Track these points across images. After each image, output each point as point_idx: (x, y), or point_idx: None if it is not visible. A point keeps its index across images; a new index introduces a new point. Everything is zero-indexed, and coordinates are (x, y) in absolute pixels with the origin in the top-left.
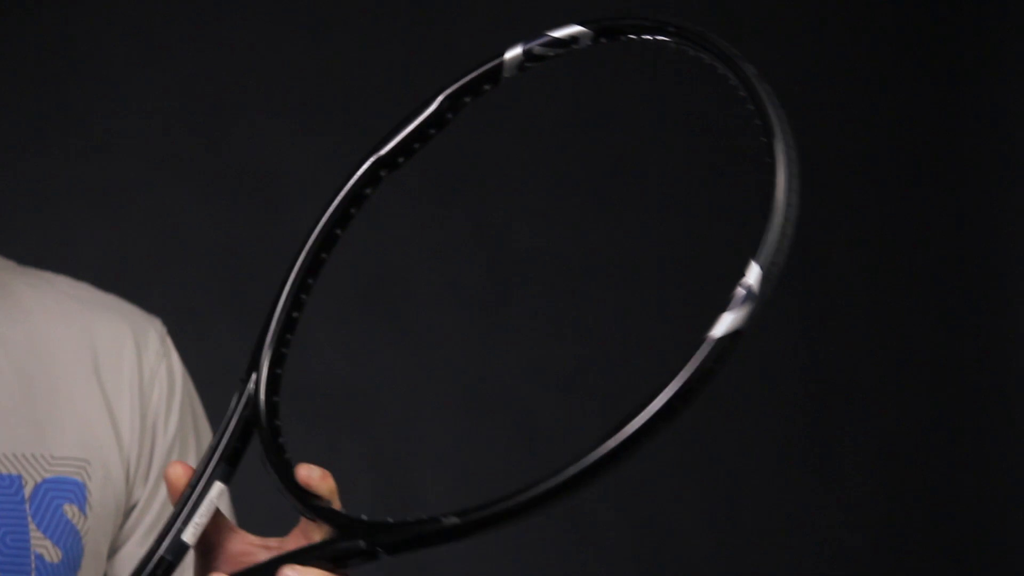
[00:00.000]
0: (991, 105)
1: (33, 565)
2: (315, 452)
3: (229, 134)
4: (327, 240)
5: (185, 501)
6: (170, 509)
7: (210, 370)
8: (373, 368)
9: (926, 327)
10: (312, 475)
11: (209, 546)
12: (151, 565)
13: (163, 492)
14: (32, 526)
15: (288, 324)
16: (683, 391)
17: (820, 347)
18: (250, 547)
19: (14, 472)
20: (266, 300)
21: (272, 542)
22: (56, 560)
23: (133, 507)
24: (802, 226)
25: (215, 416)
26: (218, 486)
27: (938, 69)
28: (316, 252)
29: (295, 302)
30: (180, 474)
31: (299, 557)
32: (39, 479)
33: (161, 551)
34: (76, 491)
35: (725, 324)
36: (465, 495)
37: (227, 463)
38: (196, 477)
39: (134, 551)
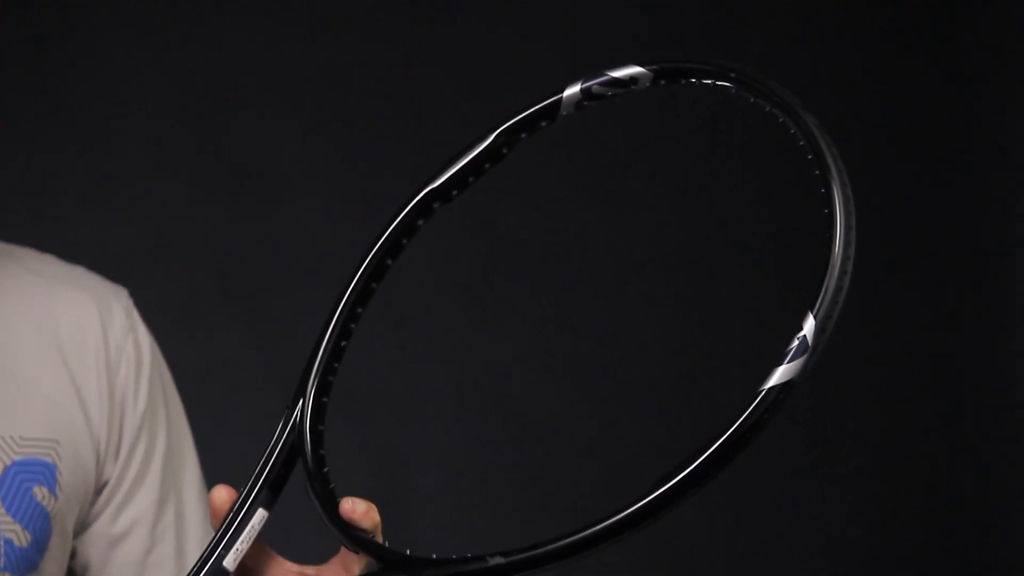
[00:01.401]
0: (994, 102)
1: (2, 551)
2: None
3: (228, 131)
4: (377, 269)
5: (228, 526)
6: (143, 487)
7: (207, 366)
8: (368, 363)
9: (930, 323)
10: (356, 509)
11: (246, 571)
12: None
13: (133, 470)
14: (1, 510)
15: (335, 353)
16: (734, 440)
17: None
18: (287, 574)
19: None
20: (265, 297)
21: (309, 570)
22: (25, 544)
23: (104, 485)
24: (804, 223)
25: (215, 417)
26: (260, 512)
27: (944, 64)
28: (366, 282)
29: (343, 331)
30: (224, 498)
31: None
32: (8, 461)
33: (202, 575)
34: (46, 472)
35: (778, 376)
36: (462, 491)
37: (270, 490)
38: (239, 502)
39: (104, 529)
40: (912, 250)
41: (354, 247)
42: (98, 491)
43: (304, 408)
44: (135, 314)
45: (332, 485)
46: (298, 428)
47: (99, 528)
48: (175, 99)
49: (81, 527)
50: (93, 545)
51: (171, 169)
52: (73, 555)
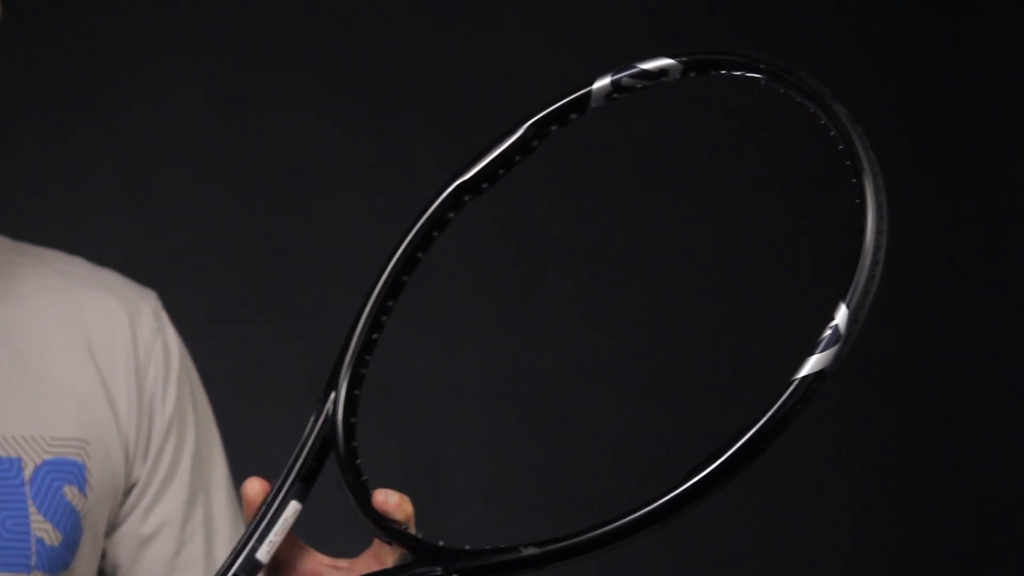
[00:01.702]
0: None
1: (34, 549)
2: None
3: (259, 130)
4: (408, 263)
5: (261, 518)
6: (172, 487)
7: (240, 366)
8: (403, 361)
9: (951, 323)
10: (389, 500)
11: (280, 564)
12: None
13: (162, 470)
14: (32, 509)
15: (367, 345)
16: (768, 430)
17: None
18: (320, 567)
19: (13, 455)
20: (295, 294)
21: (342, 563)
22: (56, 543)
23: (133, 486)
24: (834, 215)
25: (247, 417)
26: (294, 505)
27: (972, 61)
28: (397, 275)
29: (375, 324)
30: (258, 491)
31: None
32: (39, 461)
33: (235, 568)
34: (76, 472)
35: (811, 365)
36: (495, 486)
37: (303, 482)
38: (272, 495)
39: (133, 529)
40: (934, 247)
41: (386, 245)
42: (127, 491)
43: (336, 401)
44: (164, 316)
45: (365, 477)
46: (330, 421)
47: (128, 528)
48: (206, 99)
49: (111, 528)
50: (123, 546)
51: (203, 169)
52: (103, 556)
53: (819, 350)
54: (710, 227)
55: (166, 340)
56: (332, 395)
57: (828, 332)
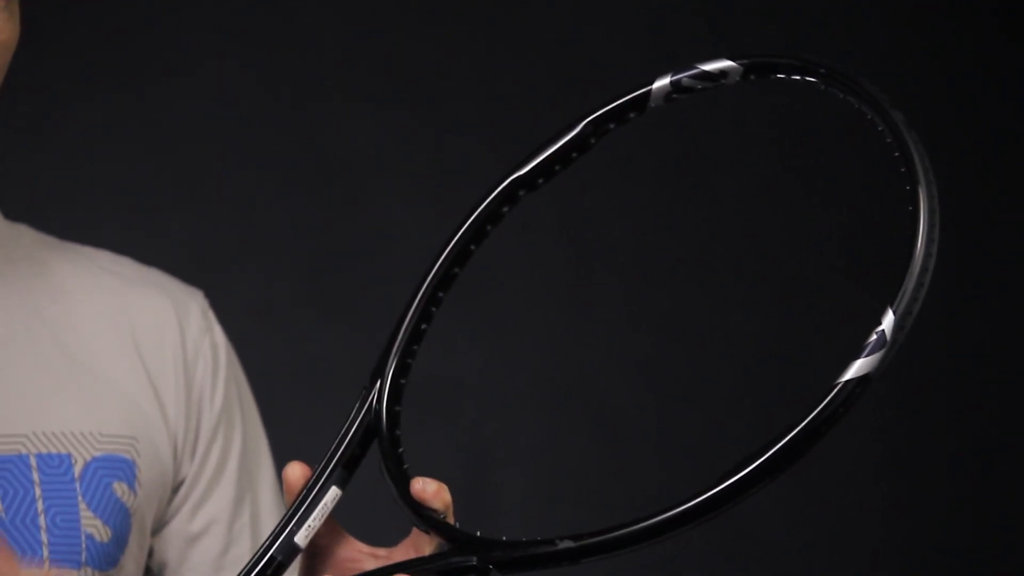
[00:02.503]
0: None
1: (84, 545)
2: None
3: (311, 126)
4: (460, 255)
5: (301, 502)
6: (219, 486)
7: (287, 360)
8: (453, 359)
9: (984, 325)
10: (427, 488)
11: (317, 549)
12: (262, 563)
13: (210, 468)
14: (83, 505)
15: (415, 335)
16: (809, 433)
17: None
18: (358, 554)
19: (63, 451)
20: (348, 291)
21: (381, 551)
22: (106, 539)
23: (180, 484)
24: (889, 221)
25: (301, 408)
26: (334, 491)
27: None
28: (449, 266)
29: (424, 314)
30: (299, 475)
31: (409, 567)
32: (88, 457)
33: (273, 550)
34: (125, 469)
35: (856, 369)
36: (550, 490)
37: (344, 469)
38: (313, 480)
39: (181, 527)
40: (968, 252)
41: (438, 241)
42: (175, 489)
43: (382, 388)
44: (211, 315)
45: (406, 466)
46: (375, 408)
47: (176, 526)
48: (256, 93)
49: (159, 525)
50: (170, 543)
51: (255, 161)
52: (150, 554)
53: (864, 354)
54: (760, 229)
55: (214, 339)
56: (378, 382)
57: (874, 337)
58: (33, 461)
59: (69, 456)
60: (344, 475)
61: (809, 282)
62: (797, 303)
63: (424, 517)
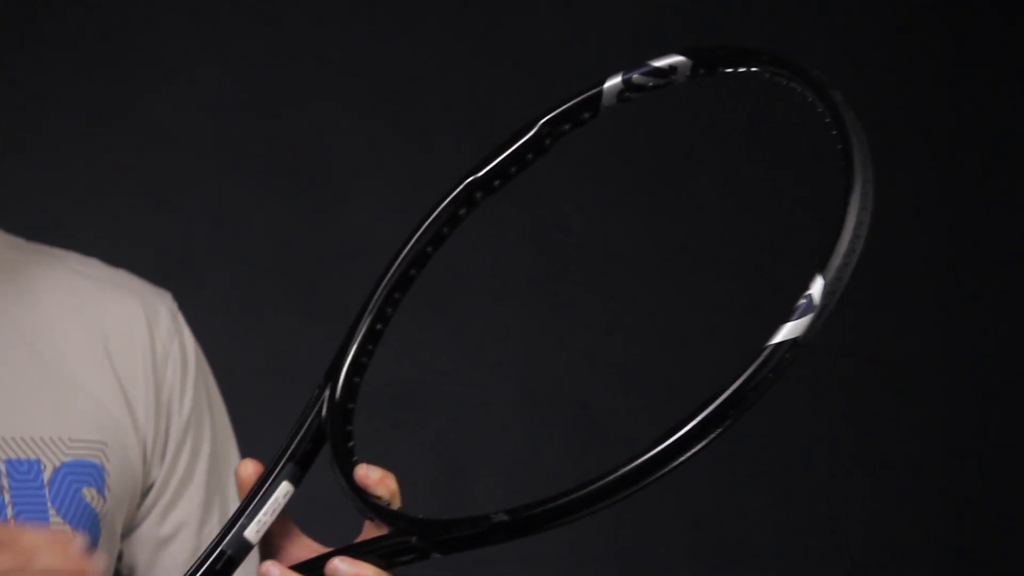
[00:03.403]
0: None
1: None
2: (372, 448)
3: (286, 128)
4: (418, 258)
5: (251, 498)
6: (189, 490)
7: (261, 362)
8: (428, 363)
9: (970, 321)
10: (370, 475)
11: (273, 548)
12: (212, 558)
13: (179, 472)
14: (52, 511)
15: (371, 335)
16: (737, 397)
17: (872, 339)
18: (313, 552)
19: (32, 456)
20: (321, 292)
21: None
22: None
23: (150, 487)
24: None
25: (274, 410)
26: (285, 486)
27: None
28: (406, 269)
29: (379, 314)
30: (251, 472)
31: (352, 551)
32: (57, 463)
33: (223, 544)
34: (95, 474)
35: (784, 332)
36: (523, 491)
37: (297, 465)
38: (264, 476)
39: (151, 531)
40: (962, 249)
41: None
42: (144, 493)
43: (335, 386)
44: (180, 318)
45: (355, 458)
46: (326, 405)
47: (146, 530)
48: (229, 95)
49: (128, 529)
50: (140, 547)
51: (231, 163)
52: (120, 557)
53: (794, 318)
54: (735, 229)
55: (183, 341)
56: (331, 381)
57: (803, 301)
58: (2, 467)
59: (39, 461)
60: (296, 471)
61: (787, 282)
62: (776, 304)
63: (368, 503)
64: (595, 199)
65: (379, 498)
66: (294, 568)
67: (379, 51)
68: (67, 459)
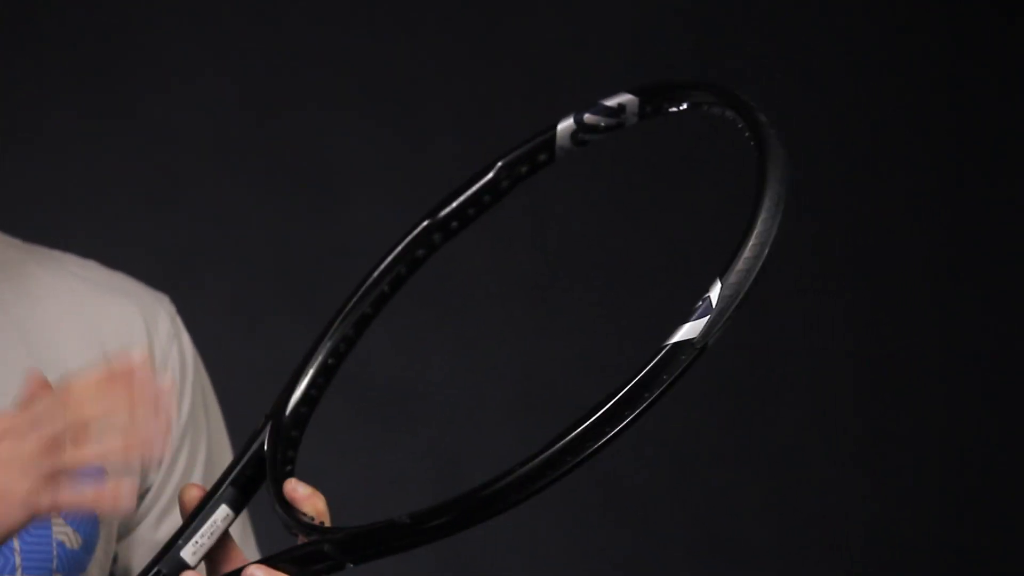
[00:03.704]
0: None
1: (55, 553)
2: (367, 449)
3: (285, 130)
4: (377, 299)
5: (190, 519)
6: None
7: (266, 361)
8: (423, 366)
9: (983, 322)
10: (298, 490)
11: (216, 573)
12: None
13: (176, 476)
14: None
15: (323, 370)
16: (631, 397)
17: (873, 340)
18: None
19: None
20: (318, 295)
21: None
22: (76, 546)
23: (147, 491)
24: (857, 213)
25: (260, 414)
26: (224, 509)
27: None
28: (364, 309)
29: (333, 351)
30: (194, 495)
31: (268, 560)
32: None
33: (159, 564)
34: (94, 476)
35: (681, 333)
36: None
37: (239, 490)
38: (204, 499)
39: (147, 534)
40: (963, 247)
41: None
42: (141, 496)
43: (281, 415)
44: (178, 321)
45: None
46: (268, 436)
47: (142, 533)
48: (230, 96)
49: (124, 531)
50: (135, 550)
51: (229, 165)
52: (114, 560)
53: (692, 318)
54: (729, 233)
55: (182, 346)
56: (280, 408)
57: (701, 304)
58: None
59: None
60: (236, 495)
61: (780, 286)
62: (773, 309)
63: (295, 519)
64: (590, 201)
65: (305, 514)
66: None
67: (379, 51)
68: None
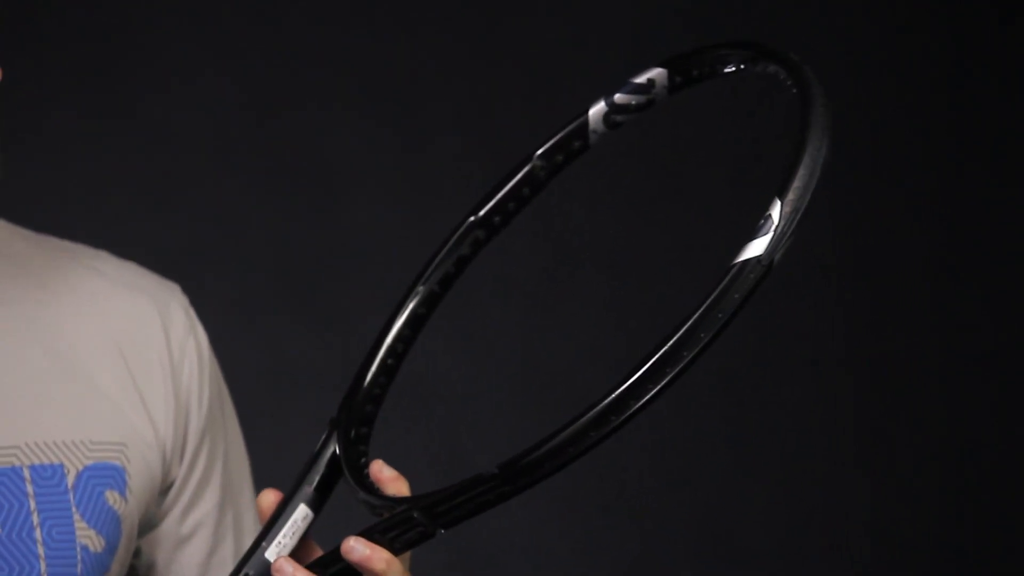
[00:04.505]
0: None
1: (79, 557)
2: (374, 444)
3: (287, 129)
4: (428, 298)
5: (272, 520)
6: (208, 488)
7: (267, 361)
8: (430, 357)
9: (983, 322)
10: (383, 472)
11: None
12: None
13: (199, 470)
14: (76, 516)
15: (383, 370)
16: (706, 318)
17: (873, 341)
18: None
19: (56, 461)
20: (323, 293)
21: None
22: (99, 549)
23: (169, 486)
24: (858, 214)
25: (274, 410)
26: (303, 509)
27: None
28: (416, 307)
29: (391, 350)
30: (271, 500)
31: (363, 534)
32: (80, 467)
33: (246, 568)
34: (116, 476)
35: (749, 251)
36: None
37: (316, 491)
38: (284, 500)
39: (171, 529)
40: (967, 242)
41: (416, 244)
42: (163, 492)
43: (350, 417)
44: (192, 312)
45: (366, 470)
46: (340, 436)
47: (166, 529)
48: (234, 95)
49: (147, 527)
50: (160, 545)
51: (230, 164)
52: (137, 554)
53: (758, 235)
54: (738, 227)
55: (198, 338)
56: (346, 410)
57: (763, 223)
58: (27, 473)
59: (62, 466)
60: (316, 496)
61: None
62: (773, 309)
63: (378, 496)
64: (597, 194)
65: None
66: (309, 567)
67: (379, 51)
68: (89, 462)
